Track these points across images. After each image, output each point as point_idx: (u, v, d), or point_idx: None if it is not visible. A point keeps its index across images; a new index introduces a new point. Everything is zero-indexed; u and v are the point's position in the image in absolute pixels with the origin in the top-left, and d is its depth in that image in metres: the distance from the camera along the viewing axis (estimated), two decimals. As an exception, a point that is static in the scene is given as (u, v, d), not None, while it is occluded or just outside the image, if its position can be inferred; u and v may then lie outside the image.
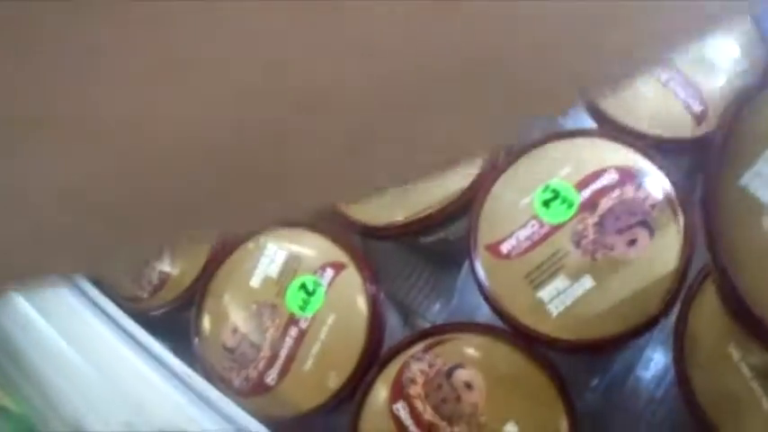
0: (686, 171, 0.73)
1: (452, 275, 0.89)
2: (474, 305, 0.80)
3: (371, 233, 0.80)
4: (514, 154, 0.76)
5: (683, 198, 0.70)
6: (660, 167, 0.72)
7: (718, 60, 0.77)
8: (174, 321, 0.85)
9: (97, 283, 0.79)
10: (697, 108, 0.75)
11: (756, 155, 0.52)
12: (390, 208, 0.79)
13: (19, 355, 0.73)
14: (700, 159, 0.74)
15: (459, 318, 0.84)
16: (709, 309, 0.65)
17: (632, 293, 0.68)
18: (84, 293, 0.78)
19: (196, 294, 0.83)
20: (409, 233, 0.80)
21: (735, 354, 0.61)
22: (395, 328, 0.81)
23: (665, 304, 0.67)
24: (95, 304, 0.77)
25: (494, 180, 0.75)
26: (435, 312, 0.92)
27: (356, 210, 0.80)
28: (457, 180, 0.78)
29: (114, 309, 0.76)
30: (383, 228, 0.79)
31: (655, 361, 0.81)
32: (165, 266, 0.89)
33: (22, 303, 0.75)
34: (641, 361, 0.81)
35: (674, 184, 0.70)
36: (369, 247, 0.82)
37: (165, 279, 0.89)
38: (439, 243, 0.83)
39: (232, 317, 0.79)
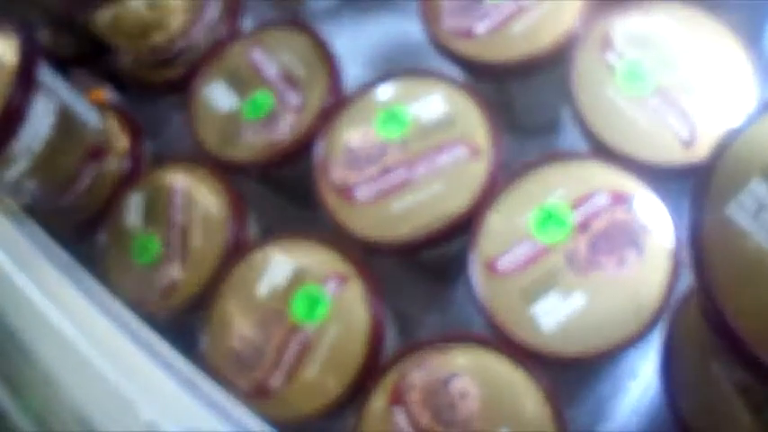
0: (675, 194, 0.76)
1: (449, 288, 0.93)
2: (470, 317, 0.83)
3: (375, 248, 0.83)
4: (512, 175, 0.79)
5: (671, 220, 0.73)
6: (650, 190, 0.75)
7: (710, 91, 0.79)
8: (181, 325, 0.88)
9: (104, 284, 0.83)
10: (686, 134, 0.77)
11: (741, 186, 0.55)
12: (394, 224, 0.82)
13: (27, 349, 0.76)
14: (688, 183, 0.77)
15: (455, 329, 0.87)
16: (693, 326, 0.68)
17: (622, 310, 0.71)
18: (93, 294, 0.80)
19: (203, 300, 0.86)
20: (411, 249, 0.83)
21: (717, 370, 0.63)
22: (393, 337, 0.84)
23: (652, 321, 0.71)
24: (104, 305, 0.79)
25: (493, 200, 0.79)
26: (432, 323, 0.95)
27: (360, 225, 0.84)
28: (458, 199, 0.81)
29: (123, 310, 0.79)
30: (386, 244, 0.83)
31: (641, 374, 0.84)
32: (174, 272, 0.92)
33: (31, 297, 0.78)
34: (629, 374, 0.84)
35: (662, 206, 0.74)
36: (370, 258, 0.85)
37: (173, 285, 0.92)
38: (438, 258, 0.86)
39: (238, 323, 0.82)
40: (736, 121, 0.58)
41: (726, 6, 0.85)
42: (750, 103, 0.78)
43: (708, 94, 0.79)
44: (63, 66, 1.22)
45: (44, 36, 1.30)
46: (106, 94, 1.36)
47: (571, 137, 0.88)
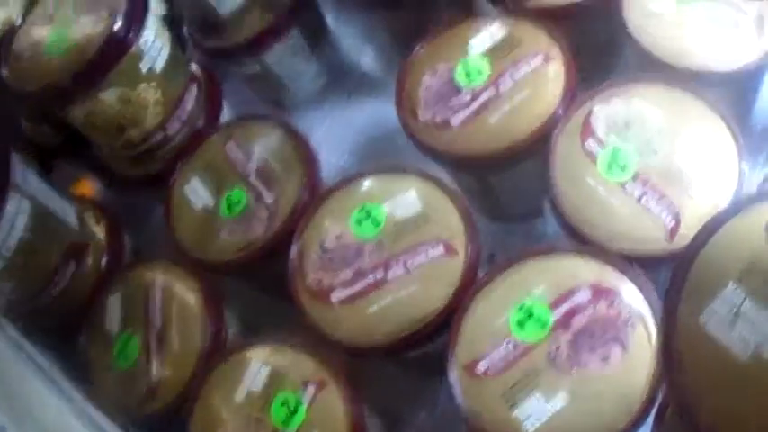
0: (660, 284, 0.74)
1: (436, 383, 0.91)
2: (457, 415, 0.81)
3: (352, 352, 0.82)
4: (491, 273, 0.78)
5: (655, 313, 0.71)
6: (633, 283, 0.73)
7: (694, 175, 0.78)
8: (163, 428, 0.87)
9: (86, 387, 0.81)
10: (670, 223, 0.76)
11: (715, 293, 0.53)
12: (371, 327, 0.81)
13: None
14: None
15: (444, 427, 0.85)
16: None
17: (607, 409, 0.69)
18: (73, 401, 0.79)
19: (184, 405, 0.85)
20: (390, 352, 0.81)
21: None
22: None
23: (639, 419, 0.68)
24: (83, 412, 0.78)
25: (471, 299, 0.77)
26: (421, 420, 0.93)
27: (337, 328, 0.82)
28: (435, 299, 0.80)
29: (102, 417, 0.78)
30: (364, 347, 0.81)
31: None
32: (154, 376, 0.91)
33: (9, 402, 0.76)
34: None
35: (646, 299, 0.72)
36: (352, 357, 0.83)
37: (153, 389, 0.91)
38: (422, 356, 0.84)
39: (221, 427, 0.81)
40: (710, 218, 0.57)
41: (710, 86, 0.84)
42: (735, 187, 0.77)
43: (691, 178, 0.78)
44: (44, 157, 1.22)
45: (25, 128, 1.30)
46: (88, 184, 1.36)
47: (556, 222, 0.87)
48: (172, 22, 1.09)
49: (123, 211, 1.19)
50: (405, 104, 0.93)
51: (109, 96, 1.00)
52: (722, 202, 0.76)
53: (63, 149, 1.28)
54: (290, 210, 0.92)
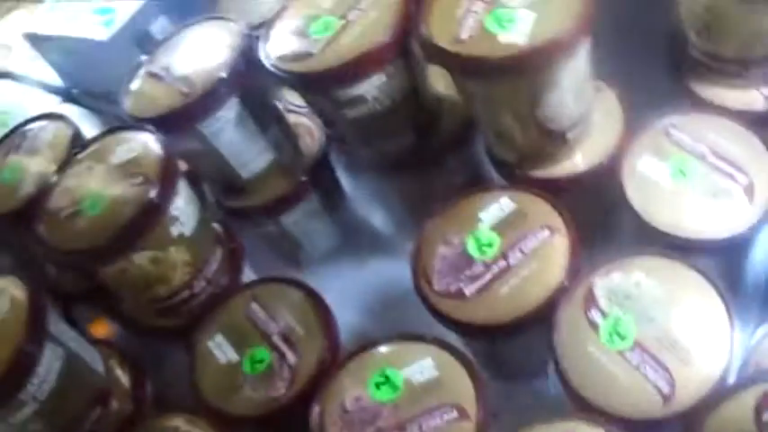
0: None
1: None
2: None
3: None
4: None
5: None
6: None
7: (688, 343, 0.82)
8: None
9: None
10: (666, 388, 0.80)
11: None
12: None
13: None
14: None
15: None
16: None
17: None
18: None
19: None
20: None
21: None
22: None
23: None
24: None
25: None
26: None
27: None
28: None
29: None
30: None
31: None
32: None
33: None
34: None
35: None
36: None
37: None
38: None
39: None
40: (702, 402, 0.60)
41: (703, 253, 0.90)
42: (727, 355, 0.81)
43: (686, 345, 0.82)
44: (65, 300, 1.26)
45: (48, 271, 1.34)
46: (105, 324, 1.39)
47: (559, 385, 0.90)
48: (193, 179, 1.14)
49: (141, 354, 1.22)
50: (420, 273, 0.97)
51: (140, 258, 1.03)
52: (715, 368, 0.79)
53: (85, 295, 1.31)
54: (312, 371, 0.96)
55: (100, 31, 1.42)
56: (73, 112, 1.41)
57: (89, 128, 1.30)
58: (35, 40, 1.63)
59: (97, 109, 1.61)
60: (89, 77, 1.58)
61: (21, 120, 1.39)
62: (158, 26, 1.42)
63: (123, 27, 1.40)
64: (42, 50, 1.65)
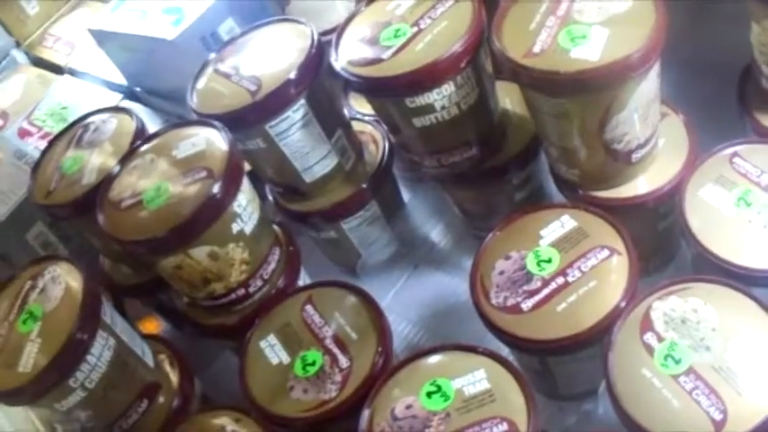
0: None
1: None
2: None
3: None
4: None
5: None
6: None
7: (743, 373, 0.81)
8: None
9: None
10: (718, 417, 0.78)
11: None
12: None
13: None
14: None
15: None
16: None
17: None
18: None
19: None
20: None
21: None
22: None
23: None
24: None
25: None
26: None
27: None
28: None
29: None
30: None
31: None
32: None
33: None
34: None
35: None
36: None
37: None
38: None
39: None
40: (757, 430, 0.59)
41: (762, 285, 0.89)
42: None
43: (741, 376, 0.81)
44: (116, 295, 1.27)
45: (102, 262, 1.35)
46: (155, 322, 1.40)
47: (610, 405, 0.90)
48: (254, 179, 1.14)
49: (190, 351, 1.23)
50: (478, 286, 0.97)
51: (199, 252, 1.04)
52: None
53: (137, 289, 1.33)
54: (364, 376, 0.96)
55: (168, 30, 1.43)
56: (134, 109, 1.42)
57: (150, 126, 1.31)
58: (100, 36, 1.65)
59: (158, 107, 1.62)
60: (154, 76, 1.60)
61: (79, 115, 1.40)
62: (226, 27, 1.42)
63: (191, 27, 1.41)
64: (106, 48, 1.67)
